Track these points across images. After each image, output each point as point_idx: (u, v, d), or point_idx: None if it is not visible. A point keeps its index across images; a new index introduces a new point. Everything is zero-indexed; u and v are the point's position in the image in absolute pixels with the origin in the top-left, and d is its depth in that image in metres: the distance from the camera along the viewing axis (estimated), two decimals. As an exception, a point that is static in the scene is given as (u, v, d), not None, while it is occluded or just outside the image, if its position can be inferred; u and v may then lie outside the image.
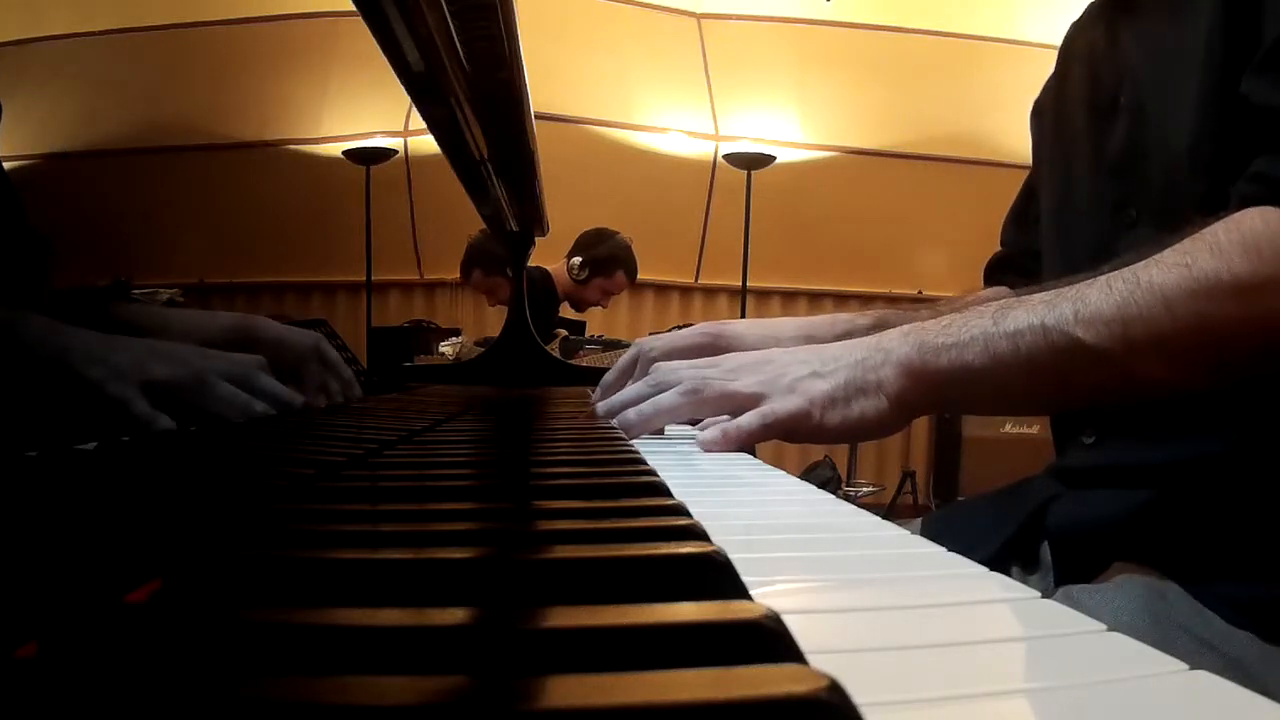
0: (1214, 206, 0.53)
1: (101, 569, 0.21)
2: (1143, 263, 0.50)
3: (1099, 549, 0.55)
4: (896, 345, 0.56)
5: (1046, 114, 0.77)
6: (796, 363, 0.59)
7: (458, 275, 3.64)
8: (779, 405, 0.56)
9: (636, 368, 0.80)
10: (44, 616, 0.17)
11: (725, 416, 0.60)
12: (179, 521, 0.27)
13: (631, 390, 0.67)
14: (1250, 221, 0.47)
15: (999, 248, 0.88)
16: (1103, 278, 0.51)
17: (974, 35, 3.88)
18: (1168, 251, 0.49)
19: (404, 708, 0.13)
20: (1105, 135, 0.65)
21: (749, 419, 0.57)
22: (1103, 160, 0.65)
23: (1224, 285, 0.46)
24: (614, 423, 0.64)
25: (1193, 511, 0.53)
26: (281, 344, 0.73)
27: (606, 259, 2.77)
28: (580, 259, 2.75)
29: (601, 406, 0.70)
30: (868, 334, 0.76)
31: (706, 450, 0.57)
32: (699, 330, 0.82)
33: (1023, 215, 0.83)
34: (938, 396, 0.55)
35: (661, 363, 0.67)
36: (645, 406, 0.62)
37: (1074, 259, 0.66)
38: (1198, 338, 0.47)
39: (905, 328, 0.57)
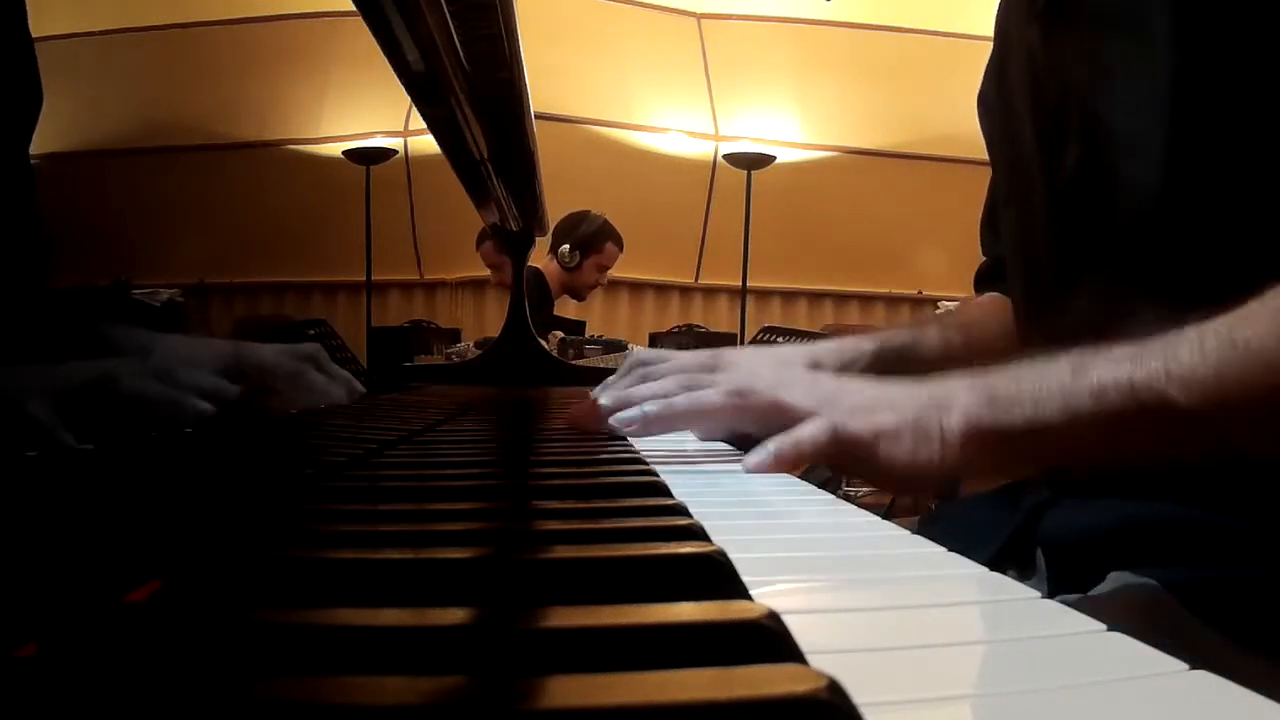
0: (1196, 252, 0.50)
1: (101, 569, 0.21)
2: (1232, 317, 0.45)
3: (1094, 559, 0.53)
4: (962, 394, 0.50)
5: (994, 111, 0.74)
6: (853, 388, 0.53)
7: (458, 274, 3.65)
8: (848, 422, 0.50)
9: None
10: (44, 616, 0.17)
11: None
12: (179, 521, 0.27)
13: (654, 386, 0.58)
14: None
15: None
16: (1191, 332, 0.46)
17: (974, 35, 3.88)
18: (1254, 306, 0.45)
19: (404, 708, 0.13)
20: (1056, 162, 0.61)
21: (812, 430, 0.50)
22: (1056, 189, 0.62)
23: None
24: (622, 417, 0.55)
25: (1191, 522, 0.52)
26: (267, 368, 0.70)
27: (593, 236, 2.78)
28: (568, 245, 2.76)
29: (610, 396, 0.59)
30: (877, 359, 0.72)
31: (756, 471, 0.50)
32: (702, 354, 0.76)
33: (994, 222, 0.80)
34: (1005, 453, 0.50)
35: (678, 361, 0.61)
36: (680, 399, 0.55)
37: (1040, 294, 0.64)
38: None
39: (969, 379, 0.52)
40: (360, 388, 0.82)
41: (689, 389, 0.56)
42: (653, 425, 0.55)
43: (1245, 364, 0.44)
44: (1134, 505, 0.53)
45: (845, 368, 0.70)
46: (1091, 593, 0.51)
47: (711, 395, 0.54)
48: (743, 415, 0.54)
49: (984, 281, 0.84)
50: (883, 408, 0.51)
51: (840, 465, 0.51)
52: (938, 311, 0.90)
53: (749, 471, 0.50)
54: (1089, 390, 0.47)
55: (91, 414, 0.48)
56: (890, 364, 0.71)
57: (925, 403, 0.51)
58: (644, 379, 0.63)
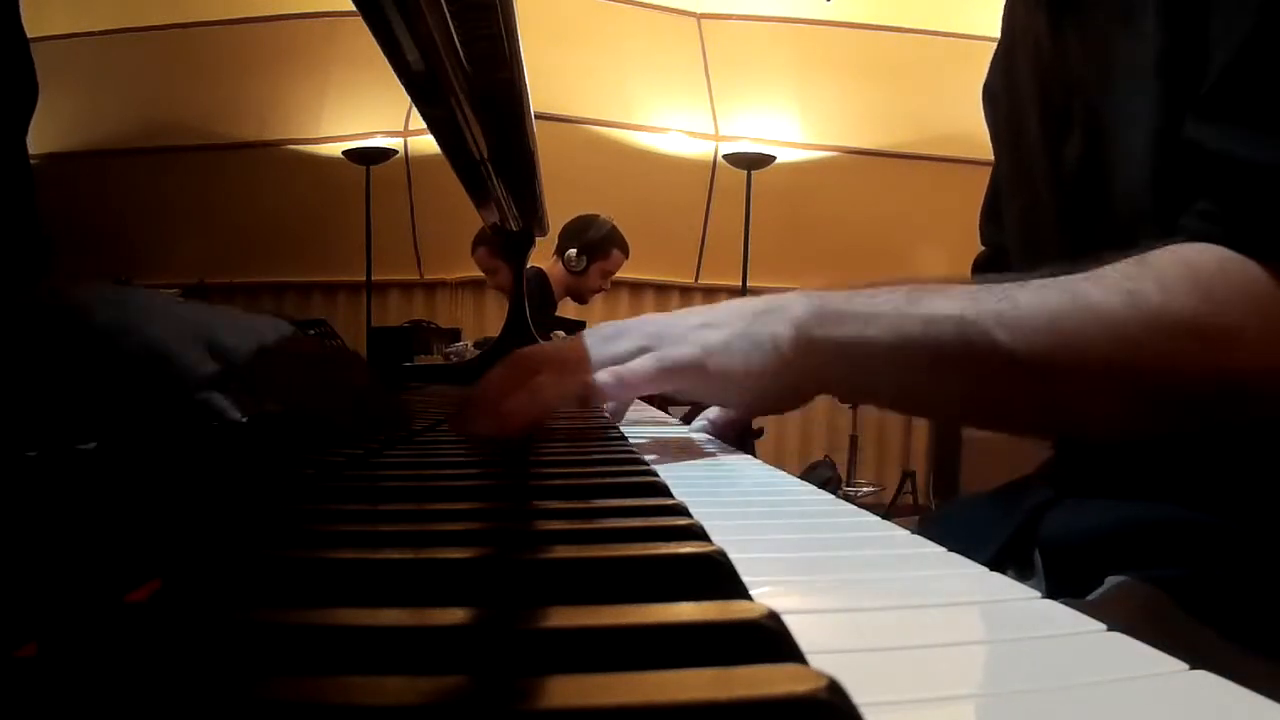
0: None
1: (101, 569, 0.21)
2: (1078, 277, 0.46)
3: (1092, 561, 0.52)
4: (793, 303, 0.51)
5: (1000, 102, 0.73)
6: (680, 317, 0.55)
7: (458, 274, 3.65)
8: (672, 352, 0.52)
9: None
10: (44, 616, 0.17)
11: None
12: (179, 521, 0.27)
13: (491, 381, 0.60)
14: (1202, 259, 0.44)
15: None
16: (1034, 282, 0.47)
17: (974, 35, 3.88)
18: (1107, 270, 0.46)
19: (404, 708, 0.13)
20: (1060, 151, 0.61)
21: (642, 361, 0.52)
22: (1062, 180, 0.61)
23: (1172, 320, 0.43)
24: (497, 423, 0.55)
25: (1190, 523, 0.51)
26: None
27: (600, 241, 2.79)
28: (575, 249, 2.76)
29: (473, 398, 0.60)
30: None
31: (603, 398, 0.53)
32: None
33: (995, 212, 0.80)
34: (831, 370, 0.51)
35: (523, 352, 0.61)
36: (522, 393, 0.56)
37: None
38: (1131, 371, 0.44)
39: (804, 293, 0.53)
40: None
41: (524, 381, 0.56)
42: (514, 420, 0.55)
43: (1082, 319, 0.44)
44: (1133, 506, 0.52)
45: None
46: (1089, 597, 0.50)
47: (546, 385, 0.55)
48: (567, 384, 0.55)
49: (979, 270, 0.83)
50: (711, 327, 0.52)
51: (681, 393, 0.53)
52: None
53: (600, 396, 0.53)
54: (920, 318, 0.47)
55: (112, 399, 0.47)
56: None
57: (758, 311, 0.52)
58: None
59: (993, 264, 0.81)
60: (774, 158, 3.65)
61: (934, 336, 0.47)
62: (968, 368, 0.47)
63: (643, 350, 0.53)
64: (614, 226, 2.83)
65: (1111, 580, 0.50)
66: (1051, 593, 0.51)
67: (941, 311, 0.47)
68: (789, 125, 4.19)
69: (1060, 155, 0.61)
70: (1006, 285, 0.47)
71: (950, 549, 0.28)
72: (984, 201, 0.82)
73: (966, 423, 0.57)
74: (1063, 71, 0.61)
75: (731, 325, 0.52)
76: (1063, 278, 0.46)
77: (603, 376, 0.52)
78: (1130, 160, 0.54)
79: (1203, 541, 0.50)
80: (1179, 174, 0.50)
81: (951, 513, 0.75)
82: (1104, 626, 0.20)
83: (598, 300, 3.15)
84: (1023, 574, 0.59)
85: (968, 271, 0.88)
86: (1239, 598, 0.47)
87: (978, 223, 0.84)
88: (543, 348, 0.59)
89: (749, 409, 0.71)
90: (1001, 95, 0.73)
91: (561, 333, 2.34)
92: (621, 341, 0.55)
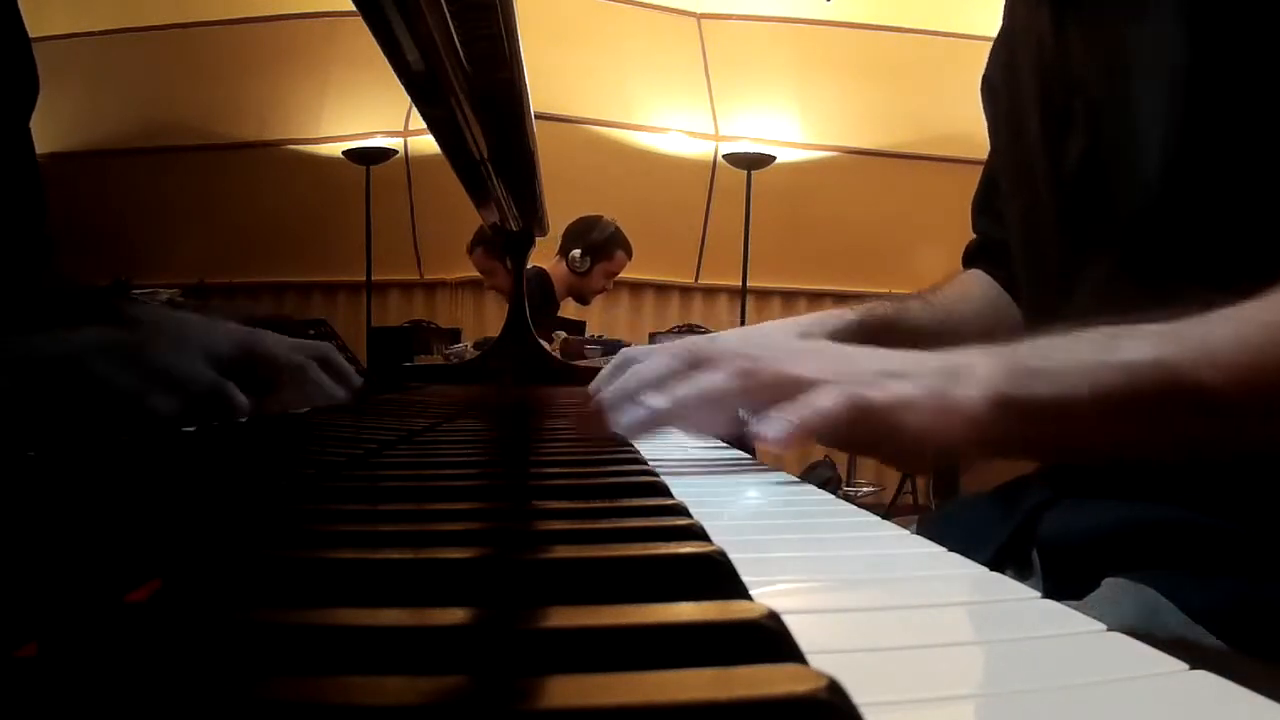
0: (1196, 244, 0.49)
1: (101, 569, 0.21)
2: (1260, 304, 0.43)
3: (1090, 562, 0.51)
4: (983, 364, 0.46)
5: (1000, 96, 0.72)
6: (864, 356, 0.49)
7: (458, 274, 3.65)
8: (865, 391, 0.45)
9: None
10: (44, 616, 0.17)
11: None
12: (179, 521, 0.27)
13: (650, 366, 0.53)
14: None
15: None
16: (1224, 313, 0.43)
17: (974, 35, 3.89)
18: None
19: (404, 708, 0.13)
20: (1061, 150, 0.60)
21: (829, 398, 0.45)
22: (1062, 180, 0.60)
23: None
24: (630, 421, 0.50)
25: (1190, 524, 0.49)
26: (279, 362, 0.68)
27: (604, 243, 2.80)
28: (579, 250, 2.76)
29: (609, 392, 0.54)
30: (861, 329, 0.69)
31: (772, 445, 0.46)
32: (689, 341, 0.69)
33: (987, 206, 0.78)
34: (1028, 430, 0.46)
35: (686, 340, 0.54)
36: (684, 388, 0.49)
37: (1044, 284, 0.63)
38: None
39: (990, 349, 0.48)
40: (359, 382, 0.80)
41: (690, 365, 0.51)
42: (662, 420, 0.50)
43: None
44: (1132, 507, 0.51)
45: (831, 338, 0.67)
46: (1086, 599, 0.50)
47: (716, 377, 0.49)
48: (751, 393, 0.49)
49: (971, 259, 0.82)
50: (899, 376, 0.47)
51: (853, 439, 0.47)
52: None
53: (765, 443, 0.46)
54: (1120, 366, 0.43)
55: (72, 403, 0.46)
56: (874, 335, 0.69)
57: (941, 371, 0.47)
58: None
59: (983, 253, 0.80)
60: (774, 158, 3.65)
61: (1136, 386, 0.43)
62: (1175, 414, 0.43)
63: (823, 383, 0.47)
64: (618, 228, 2.83)
65: (1109, 583, 0.49)
66: (1049, 593, 0.50)
67: (1141, 357, 0.43)
68: (789, 125, 4.20)
69: (1060, 155, 0.60)
70: (1198, 320, 0.44)
71: (950, 549, 0.28)
72: (977, 191, 0.80)
73: (1171, 463, 0.52)
74: (1065, 71, 0.60)
75: (918, 380, 0.46)
76: (1249, 307, 0.43)
77: (803, 414, 0.45)
78: (1144, 162, 0.53)
79: (1203, 543, 0.49)
80: (1209, 168, 0.49)
81: (951, 513, 0.75)
82: (1104, 626, 0.20)
83: (598, 300, 3.16)
84: (1021, 574, 0.59)
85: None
86: (1239, 601, 0.47)
87: (970, 209, 0.82)
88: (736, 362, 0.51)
89: (914, 467, 0.70)
90: (1001, 90, 0.72)
91: (563, 333, 2.34)
92: (803, 360, 0.49)
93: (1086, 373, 0.44)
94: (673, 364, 0.52)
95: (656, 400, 0.50)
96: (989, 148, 0.76)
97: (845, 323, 0.71)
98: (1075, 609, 0.21)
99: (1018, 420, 0.45)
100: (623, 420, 0.52)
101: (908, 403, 0.45)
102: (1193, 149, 0.51)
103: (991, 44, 0.75)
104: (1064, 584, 0.52)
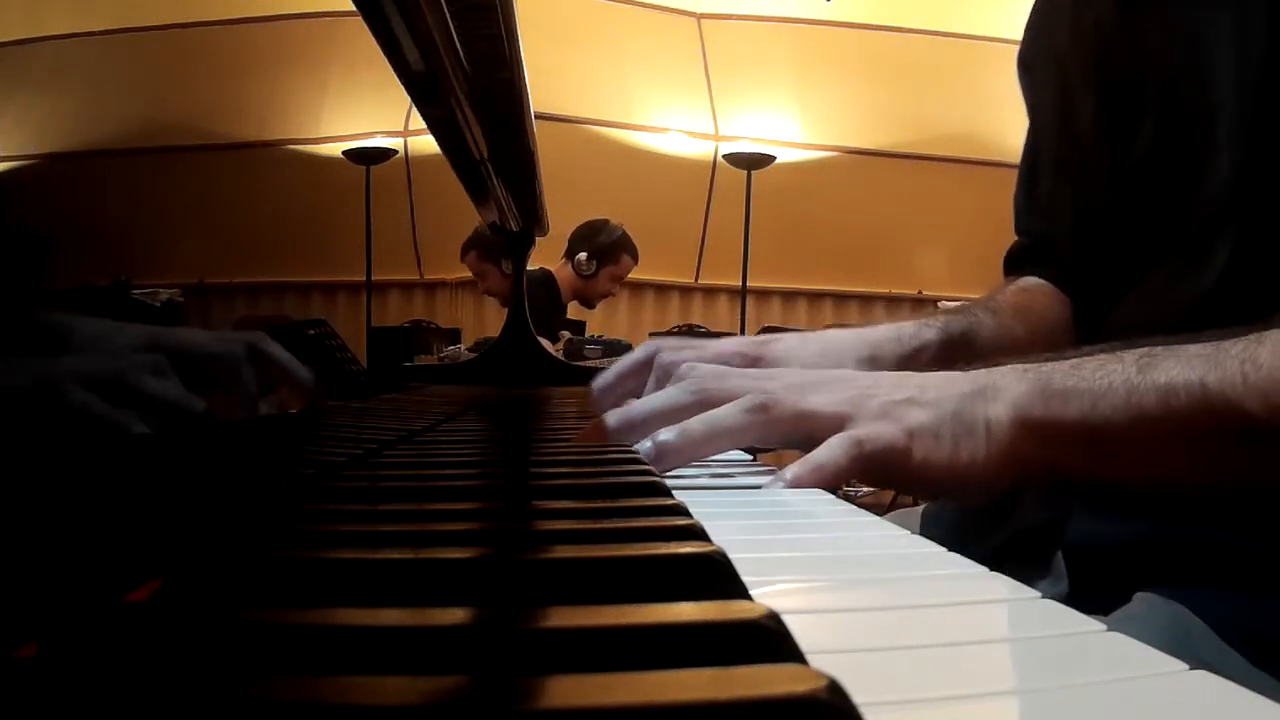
0: (1271, 243, 0.47)
1: (101, 569, 0.21)
2: None
3: (1120, 572, 0.48)
4: (1012, 382, 0.45)
5: (1038, 75, 0.69)
6: (885, 384, 0.48)
7: (458, 275, 3.64)
8: (871, 431, 0.44)
9: (652, 371, 0.62)
10: (44, 616, 0.17)
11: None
12: (179, 521, 0.27)
13: (661, 397, 0.51)
14: None
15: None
16: (1274, 335, 0.41)
17: (974, 35, 3.88)
18: None
19: (404, 708, 0.13)
20: (1127, 138, 0.56)
21: (835, 450, 0.44)
22: (1126, 168, 0.57)
23: None
24: (641, 448, 0.48)
25: (1225, 541, 0.47)
26: (195, 355, 0.61)
27: (611, 246, 2.80)
28: (586, 253, 2.76)
29: (615, 416, 0.52)
30: (941, 349, 0.64)
31: (791, 488, 0.45)
32: (740, 343, 0.65)
33: (1033, 197, 0.72)
34: (1057, 454, 0.44)
35: (697, 364, 0.54)
36: (695, 425, 0.48)
37: (1094, 279, 0.60)
38: None
39: (1021, 365, 0.46)
40: (308, 380, 0.69)
41: (701, 402, 0.49)
42: (669, 458, 0.48)
43: None
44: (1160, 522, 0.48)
45: (908, 361, 0.63)
46: (1115, 614, 0.46)
47: (730, 415, 0.47)
48: (765, 432, 0.48)
49: (1015, 264, 0.74)
50: (917, 404, 0.45)
51: (874, 479, 0.46)
52: (988, 298, 0.76)
53: (788, 486, 0.45)
54: (1156, 389, 0.41)
55: None
56: (958, 353, 0.64)
57: (967, 392, 0.45)
58: (659, 383, 0.56)
59: (1030, 256, 0.73)
60: (774, 158, 3.65)
61: (1174, 409, 0.41)
62: (1215, 440, 0.41)
63: (839, 418, 0.45)
64: (625, 232, 2.84)
65: (1139, 598, 0.46)
66: (1074, 598, 0.46)
67: (1179, 380, 0.41)
68: (789, 125, 4.20)
69: (1127, 141, 0.56)
70: (1241, 342, 0.41)
71: (950, 549, 0.28)
72: (1019, 185, 0.73)
73: (1209, 493, 0.48)
74: (1134, 53, 0.56)
75: (940, 405, 0.45)
76: None
77: (800, 475, 0.44)
78: (1223, 156, 0.51)
79: (1239, 562, 0.46)
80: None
81: (951, 512, 0.74)
82: (1104, 626, 0.20)
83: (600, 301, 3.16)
84: (1027, 573, 0.57)
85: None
86: (1274, 623, 0.43)
87: (1013, 200, 0.74)
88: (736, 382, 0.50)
89: (941, 498, 0.63)
90: (1043, 69, 0.67)
91: (566, 333, 2.34)
92: (818, 394, 0.47)
93: (1120, 394, 0.42)
94: (682, 398, 0.50)
95: (666, 435, 0.48)
96: (1026, 133, 0.71)
97: (924, 343, 0.66)
98: (1104, 622, 0.20)
99: (1046, 443, 0.44)
100: (642, 451, 0.49)
101: (925, 431, 0.44)
102: (1274, 143, 0.48)
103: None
104: (1090, 591, 0.48)
